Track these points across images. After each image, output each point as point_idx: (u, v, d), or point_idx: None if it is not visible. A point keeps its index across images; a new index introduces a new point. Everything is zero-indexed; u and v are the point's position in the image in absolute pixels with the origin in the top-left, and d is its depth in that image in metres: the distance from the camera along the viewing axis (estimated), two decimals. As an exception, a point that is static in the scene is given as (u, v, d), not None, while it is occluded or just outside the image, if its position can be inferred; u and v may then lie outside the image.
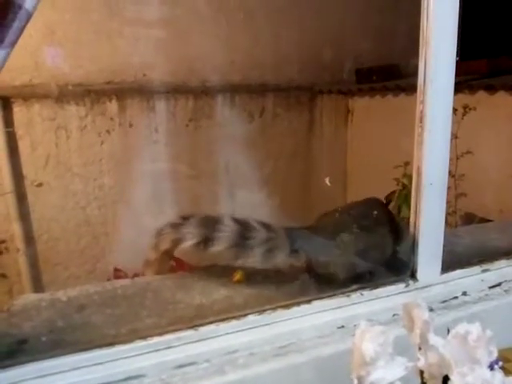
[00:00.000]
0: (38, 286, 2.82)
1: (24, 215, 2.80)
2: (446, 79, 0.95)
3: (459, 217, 2.39)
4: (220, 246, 1.02)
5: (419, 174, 0.98)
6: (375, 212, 1.13)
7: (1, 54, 0.54)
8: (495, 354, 0.59)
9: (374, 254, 1.06)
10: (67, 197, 2.94)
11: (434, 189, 0.99)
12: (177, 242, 1.05)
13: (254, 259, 1.03)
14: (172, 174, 3.04)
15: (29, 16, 0.56)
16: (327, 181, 1.08)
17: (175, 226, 1.06)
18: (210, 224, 1.04)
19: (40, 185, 2.85)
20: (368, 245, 1.06)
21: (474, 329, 0.59)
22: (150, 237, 1.09)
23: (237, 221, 1.05)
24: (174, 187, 2.94)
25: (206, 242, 1.02)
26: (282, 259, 1.03)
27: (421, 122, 0.96)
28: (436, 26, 0.91)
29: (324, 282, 1.01)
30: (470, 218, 2.34)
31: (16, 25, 0.55)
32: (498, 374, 0.56)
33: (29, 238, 2.82)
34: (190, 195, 2.96)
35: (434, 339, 0.61)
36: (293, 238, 1.05)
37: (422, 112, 0.95)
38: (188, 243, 1.03)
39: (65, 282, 2.90)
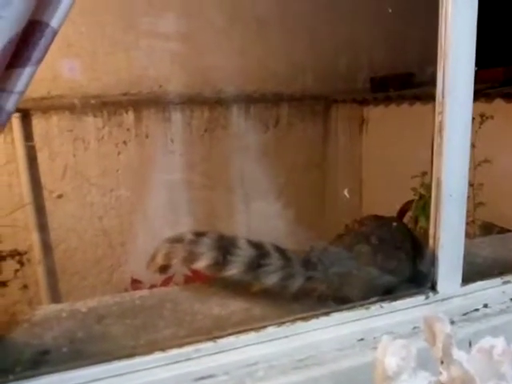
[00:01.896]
0: (55, 295, 2.85)
1: (42, 226, 2.84)
2: (464, 90, 0.94)
3: (478, 227, 2.36)
4: (233, 270, 1.01)
5: (439, 186, 0.97)
6: (393, 233, 1.12)
7: (29, 71, 0.56)
8: (521, 369, 0.58)
9: (392, 275, 1.05)
10: (84, 207, 2.98)
11: (453, 200, 0.98)
12: (189, 261, 1.03)
13: (268, 286, 1.02)
14: (187, 184, 3.06)
15: (54, 34, 0.58)
16: (346, 192, 1.07)
17: (189, 243, 1.04)
18: (224, 246, 1.02)
19: (60, 196, 2.89)
20: (386, 267, 1.05)
21: (499, 343, 0.59)
22: (162, 241, 1.07)
23: (252, 244, 1.03)
24: (190, 197, 2.96)
25: (219, 265, 1.01)
26: (296, 287, 1.02)
27: (440, 133, 0.95)
28: (454, 37, 0.91)
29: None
30: (488, 228, 2.31)
31: (43, 43, 0.56)
32: (525, 390, 0.55)
33: (47, 248, 2.86)
34: (206, 205, 2.97)
35: (457, 354, 0.60)
36: (308, 266, 1.04)
37: (441, 123, 0.95)
38: (201, 264, 1.01)
39: (82, 291, 2.92)
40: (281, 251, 1.04)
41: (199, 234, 1.05)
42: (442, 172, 0.96)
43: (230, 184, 3.19)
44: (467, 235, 1.04)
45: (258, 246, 1.03)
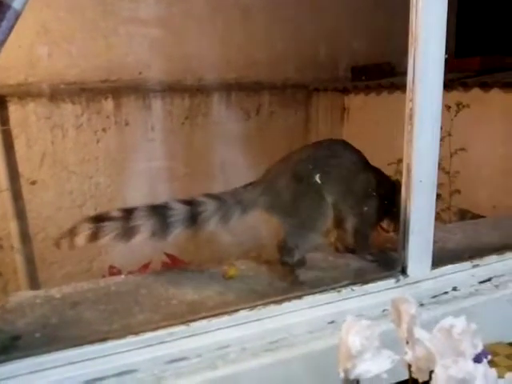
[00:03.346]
0: (33, 284, 2.82)
1: (20, 213, 2.81)
2: (434, 77, 0.96)
3: (453, 213, 2.40)
4: (176, 230, 1.04)
5: (409, 171, 0.99)
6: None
7: (-10, 53, 0.55)
8: (480, 347, 0.60)
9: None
10: (63, 195, 2.95)
11: (423, 186, 1.00)
12: (126, 236, 1.01)
13: (211, 229, 1.07)
14: (168, 172, 3.05)
15: (17, 15, 0.57)
16: (317, 178, 1.10)
17: (120, 220, 1.02)
18: (158, 213, 1.03)
19: (34, 182, 2.85)
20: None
21: (459, 322, 0.60)
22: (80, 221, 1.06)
23: (184, 202, 1.06)
24: (170, 185, 2.95)
25: (160, 231, 1.03)
26: (236, 220, 1.08)
27: (410, 120, 0.97)
28: (424, 24, 0.92)
29: None
30: (463, 215, 2.35)
31: (5, 24, 0.55)
32: (481, 367, 0.57)
33: (25, 237, 2.83)
34: (186, 193, 2.96)
35: (419, 333, 0.62)
36: (241, 199, 1.10)
37: (411, 110, 0.96)
38: (141, 236, 1.01)
39: (61, 280, 2.90)
40: (213, 196, 1.09)
41: (128, 210, 1.03)
42: (412, 158, 0.98)
43: (210, 172, 3.18)
44: (443, 221, 1.07)
45: (189, 201, 1.07)
